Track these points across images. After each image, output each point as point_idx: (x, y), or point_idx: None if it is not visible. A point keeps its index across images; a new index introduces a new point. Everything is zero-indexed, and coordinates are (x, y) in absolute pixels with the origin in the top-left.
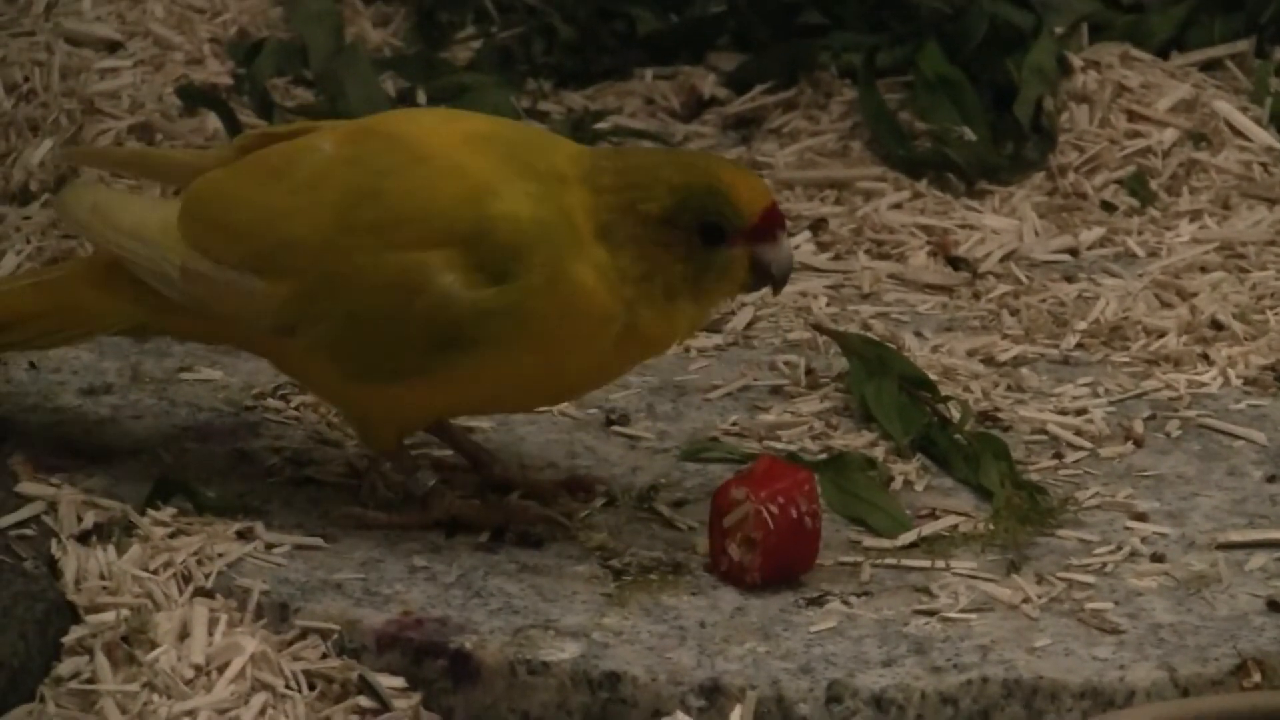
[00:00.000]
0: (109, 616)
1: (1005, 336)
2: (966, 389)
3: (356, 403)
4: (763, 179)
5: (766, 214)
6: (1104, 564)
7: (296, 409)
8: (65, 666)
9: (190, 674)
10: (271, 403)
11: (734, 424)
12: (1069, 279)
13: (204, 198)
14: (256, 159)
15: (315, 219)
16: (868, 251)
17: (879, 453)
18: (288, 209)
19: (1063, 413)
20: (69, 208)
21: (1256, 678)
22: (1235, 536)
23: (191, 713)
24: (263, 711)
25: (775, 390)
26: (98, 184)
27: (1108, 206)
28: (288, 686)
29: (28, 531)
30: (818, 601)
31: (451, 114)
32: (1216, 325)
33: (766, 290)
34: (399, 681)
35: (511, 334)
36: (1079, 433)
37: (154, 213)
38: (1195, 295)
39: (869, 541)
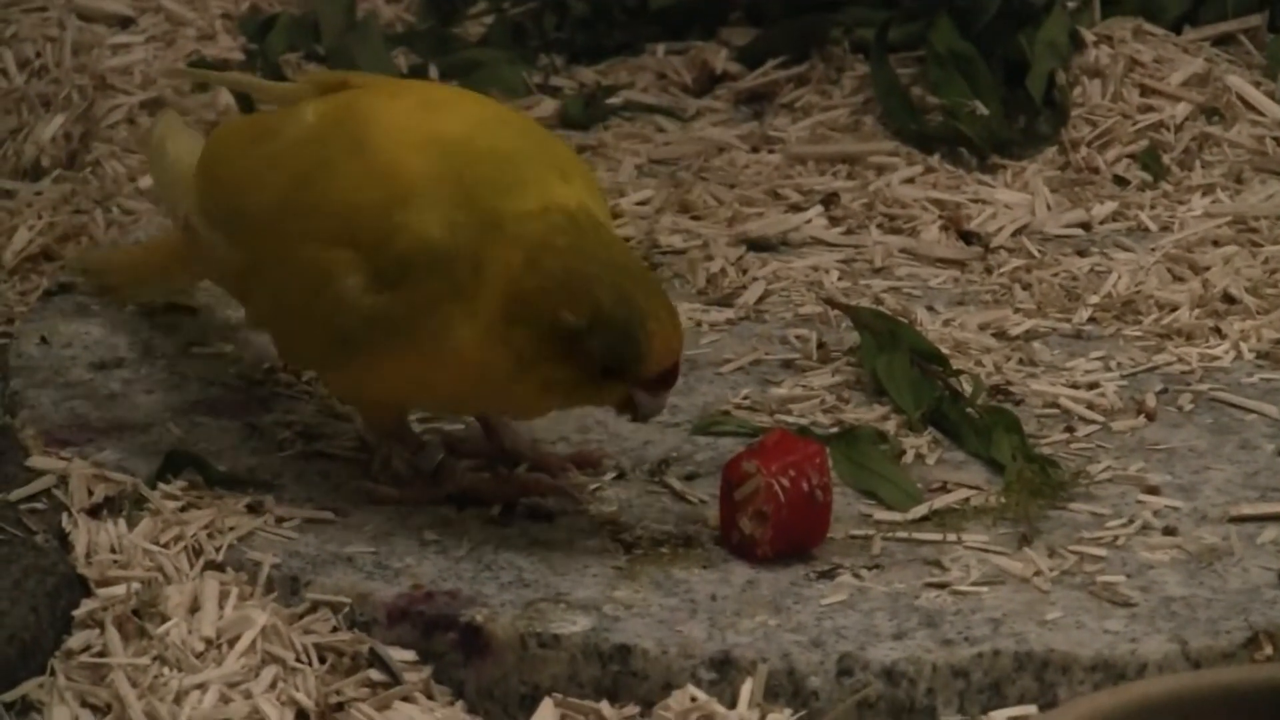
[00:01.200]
0: (119, 590)
1: (1017, 310)
2: (978, 363)
3: (321, 379)
4: (681, 330)
5: (666, 373)
6: (1116, 537)
7: (307, 383)
8: (76, 640)
9: (201, 647)
10: (282, 377)
11: (745, 398)
12: (1081, 253)
13: (209, 152)
14: (258, 120)
15: (269, 193)
16: (880, 226)
17: (890, 426)
18: (254, 177)
19: (1075, 386)
20: (150, 132)
21: (1268, 650)
22: (1247, 510)
23: (202, 686)
24: (273, 684)
25: (787, 364)
26: (180, 119)
27: (1120, 181)
28: (298, 660)
29: (38, 505)
30: (829, 574)
31: (446, 101)
32: (1229, 299)
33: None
34: (410, 655)
35: (398, 341)
36: (1091, 406)
37: (189, 155)
38: (1208, 269)
39: (880, 515)
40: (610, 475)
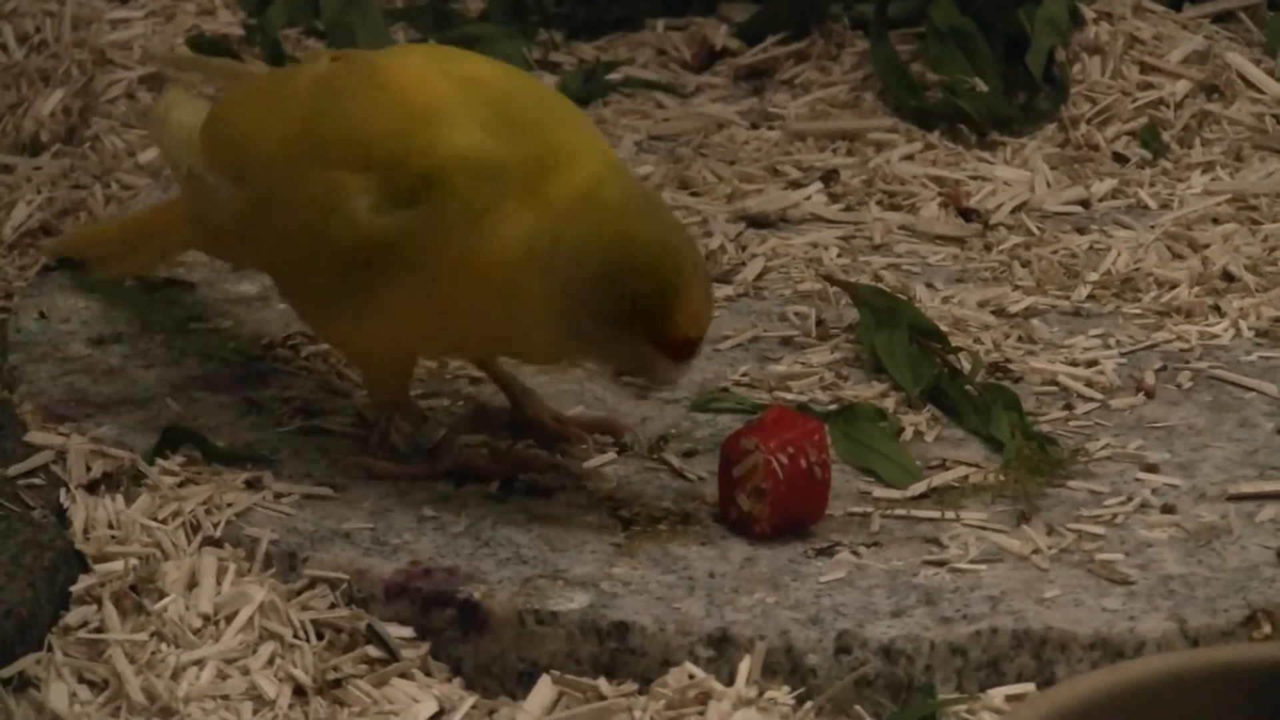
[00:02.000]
0: (117, 566)
1: (1016, 288)
2: (977, 340)
3: (322, 331)
4: (711, 311)
5: (690, 341)
6: (1114, 515)
7: (306, 359)
8: (74, 615)
9: (198, 623)
10: (281, 352)
11: (744, 375)
12: (1080, 230)
13: (218, 106)
14: (270, 76)
15: (280, 133)
16: (879, 203)
17: (889, 403)
18: (264, 122)
19: (1074, 364)
20: (156, 104)
21: (1266, 629)
22: (1246, 488)
23: (199, 662)
24: (271, 661)
25: (786, 341)
26: (188, 90)
27: (1119, 158)
28: (296, 636)
29: (36, 480)
30: (827, 552)
31: (456, 56)
32: (1228, 277)
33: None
34: (407, 631)
35: (411, 261)
36: (1090, 384)
37: (194, 117)
38: (1207, 247)
39: (879, 492)
40: (618, 448)
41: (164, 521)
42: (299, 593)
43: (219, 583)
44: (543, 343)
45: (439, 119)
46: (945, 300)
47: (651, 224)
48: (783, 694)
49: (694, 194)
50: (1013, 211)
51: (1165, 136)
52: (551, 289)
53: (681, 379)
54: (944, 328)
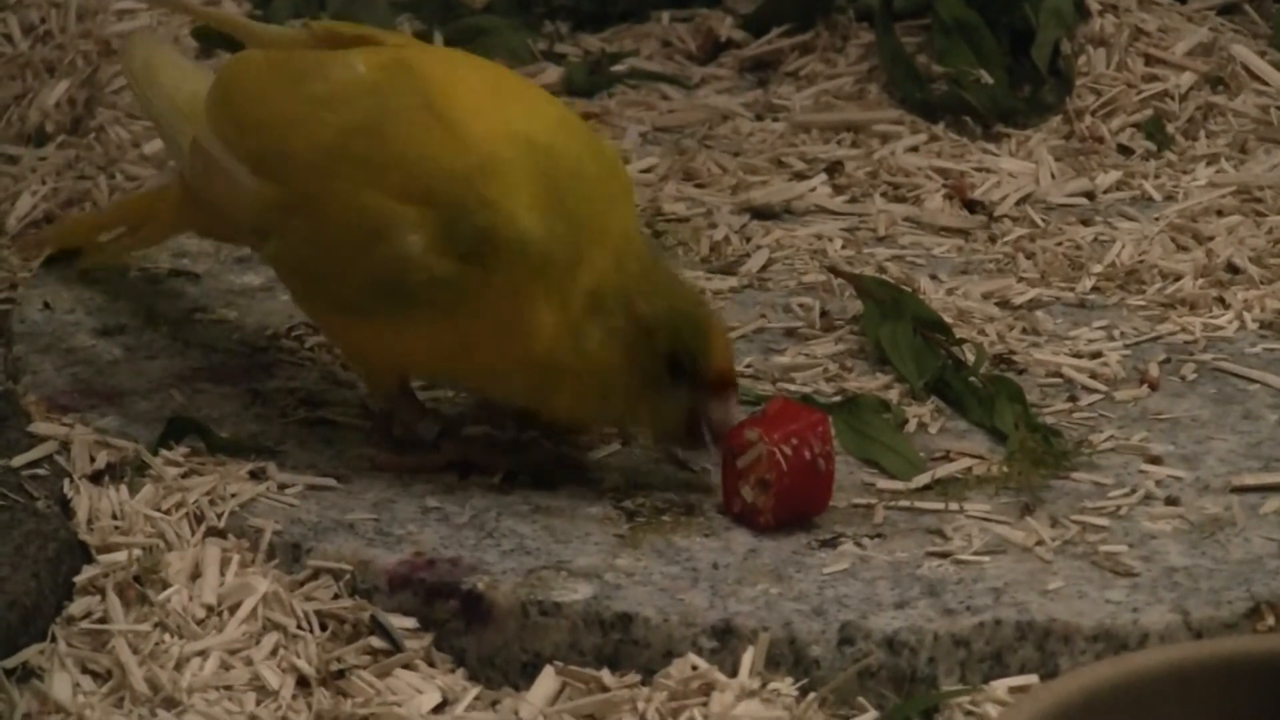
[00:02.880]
0: (121, 556)
1: (1021, 279)
2: (982, 332)
3: (331, 332)
4: (734, 352)
5: (726, 375)
6: (1118, 507)
7: (310, 350)
8: (77, 606)
9: (202, 614)
10: (285, 344)
11: (748, 366)
12: (1085, 222)
13: (232, 82)
14: (291, 58)
15: (316, 135)
16: (884, 194)
17: (893, 395)
18: (296, 118)
19: (1078, 356)
20: (128, 56)
21: (1270, 621)
22: (1250, 480)
23: (203, 653)
24: (274, 652)
25: (790, 332)
26: (161, 42)
27: (1124, 150)
28: (299, 627)
29: (40, 471)
30: (831, 543)
31: (511, 91)
32: (1233, 269)
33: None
34: (411, 622)
35: (453, 308)
36: (1094, 376)
37: (189, 82)
38: (1211, 239)
39: (883, 484)
40: (615, 444)
41: (168, 512)
42: (302, 583)
43: (222, 573)
44: (584, 404)
45: (501, 177)
46: (950, 292)
47: (674, 288)
48: (786, 685)
49: (699, 185)
50: (1017, 203)
51: (1170, 129)
52: (592, 351)
53: (731, 422)
54: (948, 319)
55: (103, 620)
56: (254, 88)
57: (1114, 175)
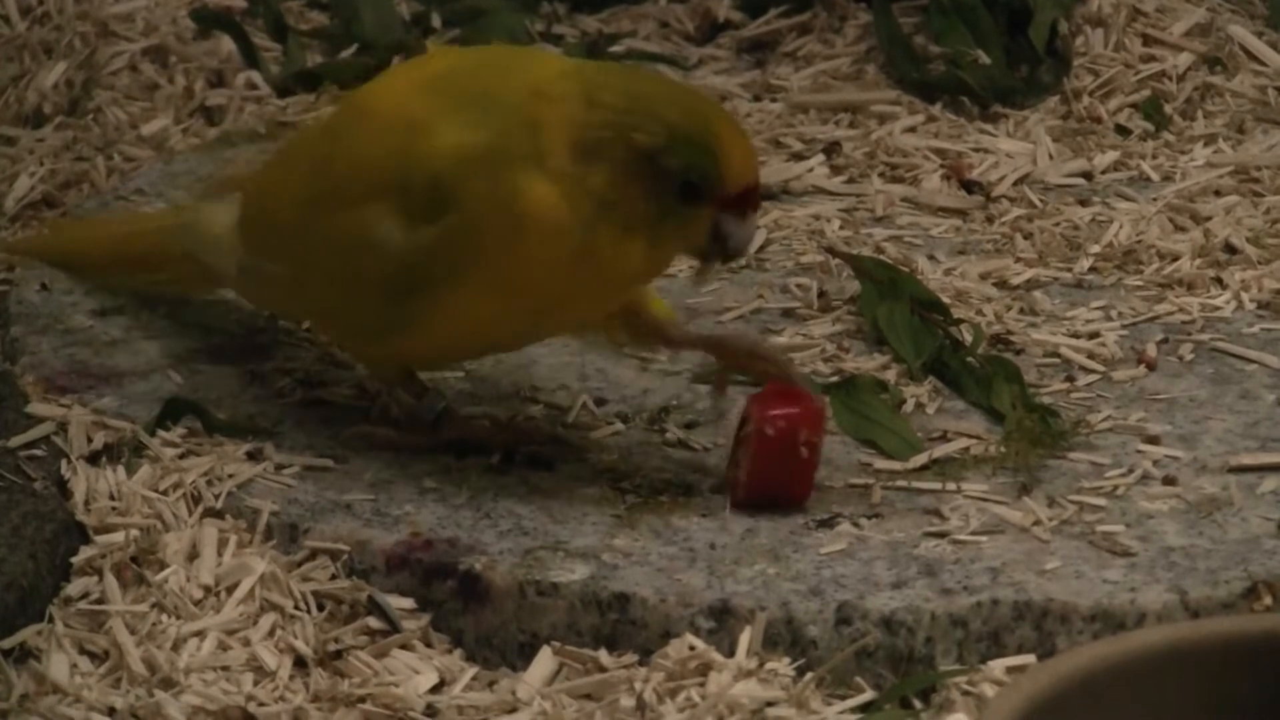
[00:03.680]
0: (118, 537)
1: (1018, 260)
2: (979, 312)
3: (366, 359)
4: (755, 151)
5: (747, 190)
6: (1115, 487)
7: (308, 331)
8: (75, 587)
9: (199, 595)
10: (283, 324)
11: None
12: (1083, 202)
13: (250, 198)
14: (285, 149)
15: (290, 195)
16: (881, 175)
17: (891, 375)
18: (278, 187)
19: (1075, 336)
20: (185, 216)
21: (1267, 601)
22: (1247, 460)
23: (200, 633)
24: (271, 632)
25: (787, 313)
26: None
27: (1122, 130)
28: (297, 607)
29: (38, 452)
30: (828, 523)
31: (433, 56)
32: (1230, 249)
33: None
34: (408, 603)
35: (463, 266)
36: (1091, 356)
37: (222, 217)
38: (1209, 219)
39: (880, 464)
40: (615, 425)
41: (165, 493)
42: (300, 564)
43: (220, 554)
44: (615, 263)
45: (419, 127)
46: (947, 272)
47: (663, 95)
48: (783, 665)
49: None
50: (1015, 184)
51: (1168, 109)
52: (603, 198)
53: (753, 238)
54: (946, 300)
55: (100, 601)
56: (263, 192)
57: (1112, 155)
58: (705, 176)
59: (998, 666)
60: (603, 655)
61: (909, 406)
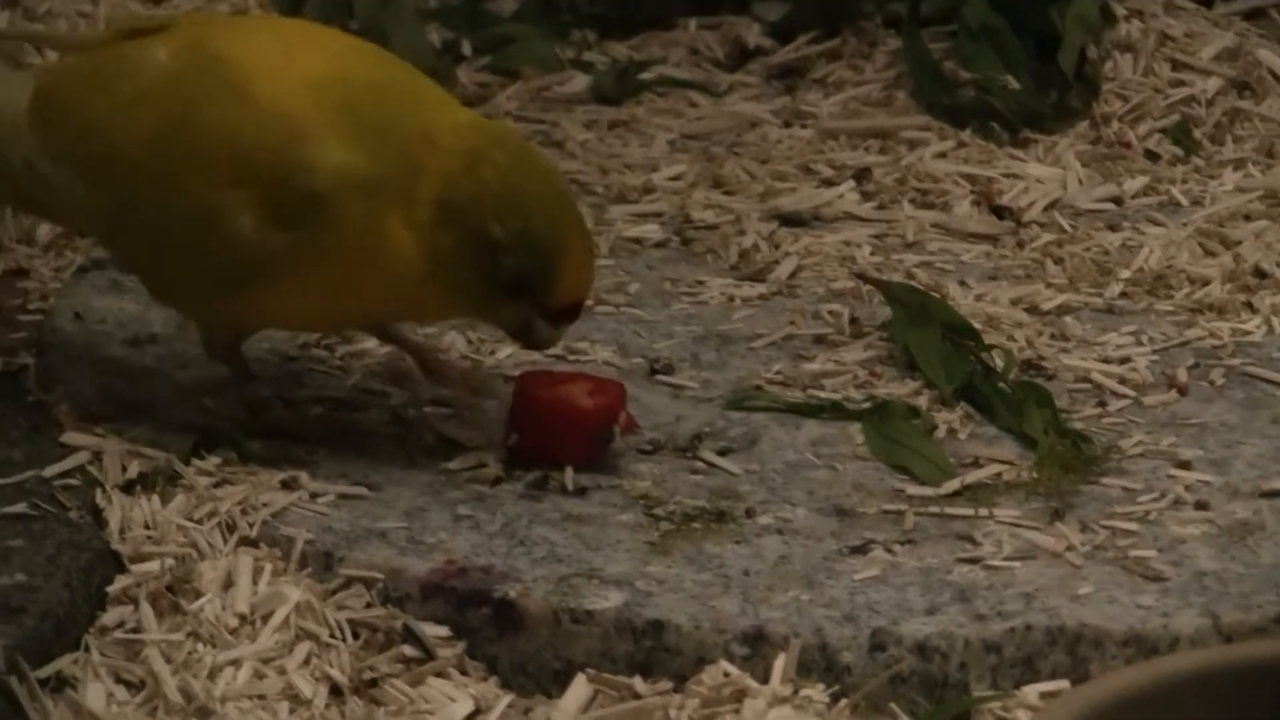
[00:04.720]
0: (153, 566)
1: (1049, 285)
2: (1010, 337)
3: (189, 311)
4: (593, 272)
5: (570, 308)
6: (1148, 512)
7: (341, 359)
8: (110, 616)
9: (234, 623)
10: (316, 353)
11: (778, 373)
12: (1113, 228)
13: (48, 94)
14: (100, 60)
15: (134, 135)
16: (912, 200)
17: (923, 401)
18: (112, 121)
19: (1106, 361)
20: None
21: None
22: (1279, 484)
23: (236, 662)
24: (307, 661)
25: (819, 339)
26: None
27: (1151, 155)
28: (331, 636)
29: (73, 481)
30: (861, 550)
31: (300, 41)
32: (1260, 273)
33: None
34: (443, 630)
35: (304, 272)
36: (1123, 381)
37: (17, 93)
38: (1239, 244)
39: (913, 490)
40: (646, 447)
41: (200, 521)
42: (335, 592)
43: (255, 582)
44: (431, 307)
45: (305, 136)
46: (978, 298)
47: (534, 194)
48: (817, 692)
49: (727, 193)
50: (1045, 209)
51: (1197, 133)
52: (441, 259)
53: (555, 344)
54: (977, 325)
55: (136, 630)
56: (71, 98)
57: (1141, 180)
58: (535, 287)
59: (1031, 692)
60: (637, 682)
61: (941, 432)
